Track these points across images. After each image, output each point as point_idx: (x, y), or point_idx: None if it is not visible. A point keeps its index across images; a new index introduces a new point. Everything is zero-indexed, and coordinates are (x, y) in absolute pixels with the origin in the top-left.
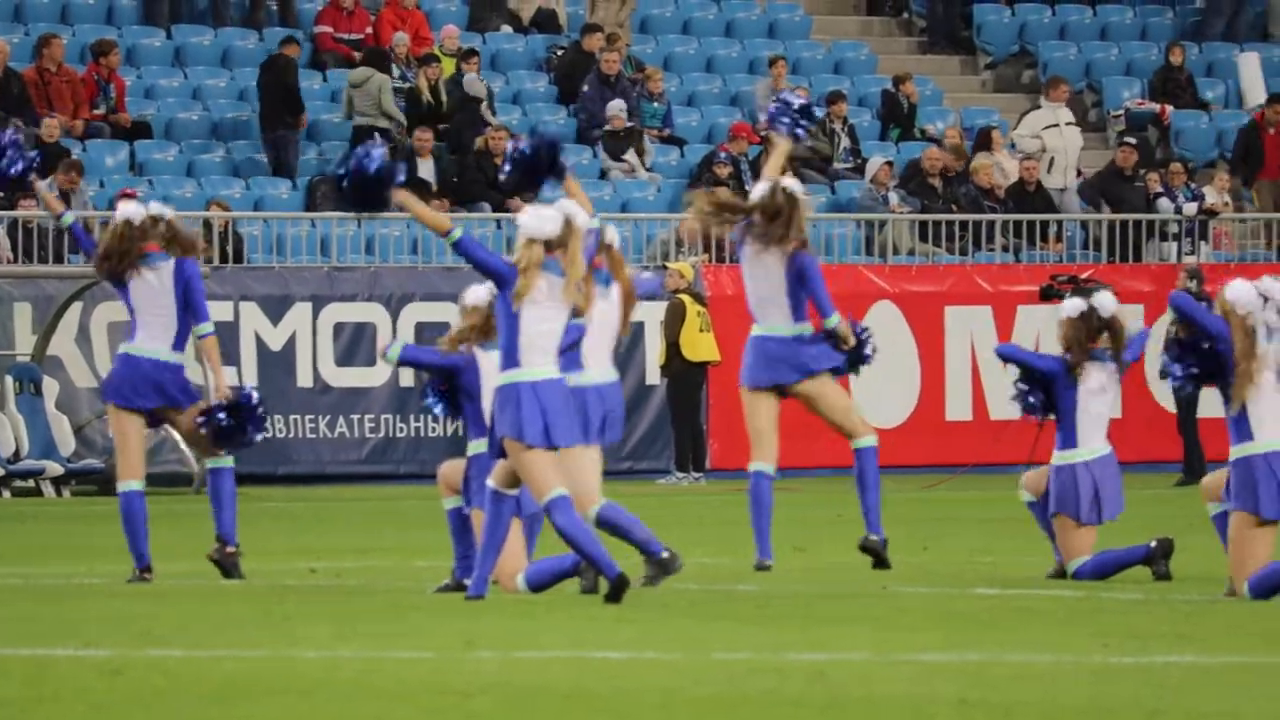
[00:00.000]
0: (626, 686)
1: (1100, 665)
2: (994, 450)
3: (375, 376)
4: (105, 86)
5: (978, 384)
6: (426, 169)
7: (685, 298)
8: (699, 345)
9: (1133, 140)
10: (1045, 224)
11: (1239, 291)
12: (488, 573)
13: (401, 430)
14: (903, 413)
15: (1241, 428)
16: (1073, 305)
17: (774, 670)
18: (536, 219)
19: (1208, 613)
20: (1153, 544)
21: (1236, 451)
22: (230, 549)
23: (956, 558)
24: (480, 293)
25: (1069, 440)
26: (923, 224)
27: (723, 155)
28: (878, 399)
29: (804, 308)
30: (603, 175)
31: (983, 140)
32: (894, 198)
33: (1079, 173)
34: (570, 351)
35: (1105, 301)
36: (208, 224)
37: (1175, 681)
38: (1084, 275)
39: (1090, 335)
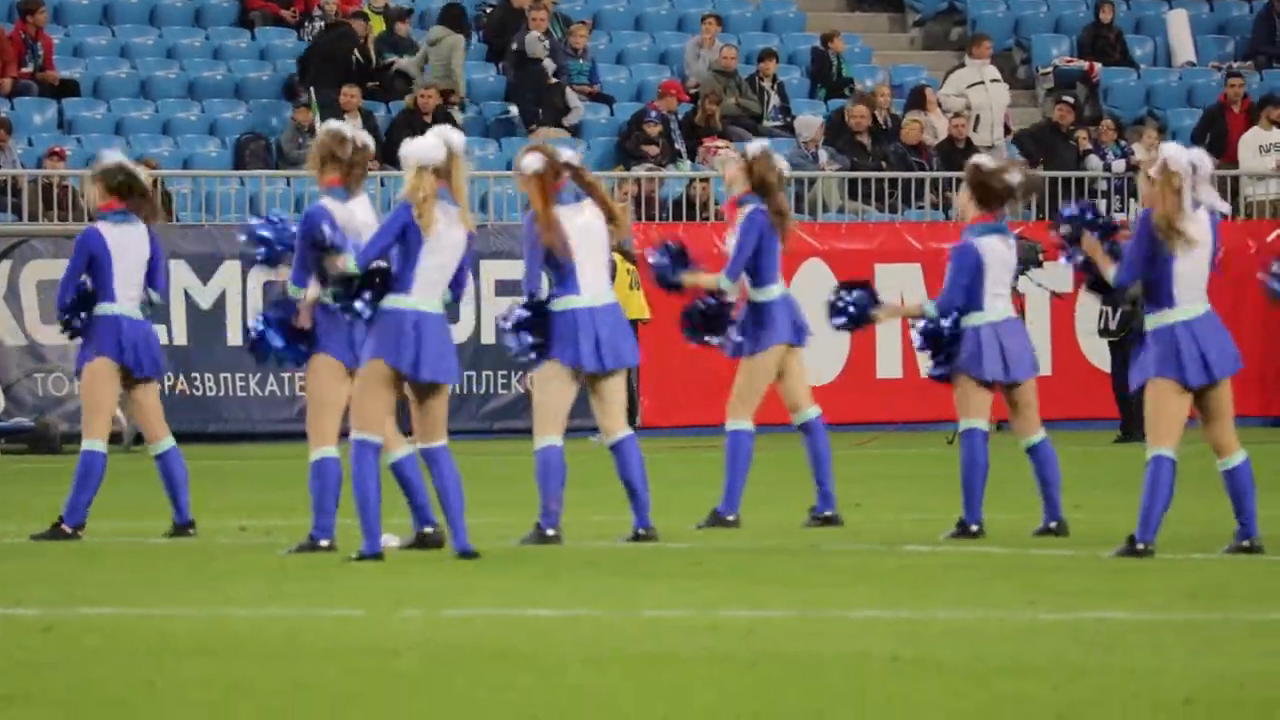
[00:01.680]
0: (555, 645)
1: (1028, 622)
2: (924, 408)
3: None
4: (33, 45)
5: (907, 342)
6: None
7: (615, 255)
8: (629, 303)
9: (1069, 98)
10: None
11: (1174, 152)
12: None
13: None
14: (833, 370)
15: (1162, 295)
16: None
17: (705, 628)
18: (423, 147)
19: (1135, 570)
20: None
21: (1156, 320)
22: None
23: (886, 515)
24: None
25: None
26: (852, 182)
27: (653, 114)
28: (808, 356)
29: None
30: (531, 131)
31: (915, 98)
32: (823, 155)
33: (1007, 129)
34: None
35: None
36: None
37: (1103, 638)
38: (1014, 233)
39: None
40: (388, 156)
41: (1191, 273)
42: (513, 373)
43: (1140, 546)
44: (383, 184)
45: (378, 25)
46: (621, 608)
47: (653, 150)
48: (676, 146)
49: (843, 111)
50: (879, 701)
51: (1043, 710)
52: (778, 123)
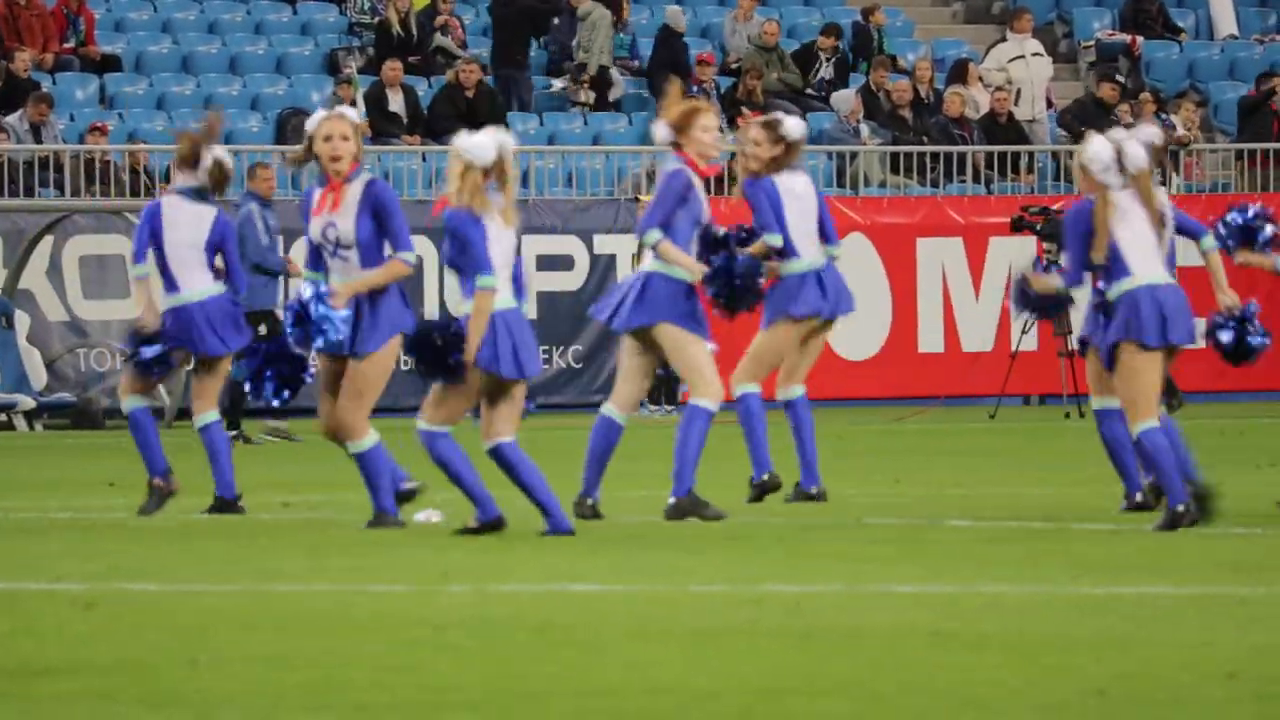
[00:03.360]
0: (599, 619)
1: (1072, 596)
2: (966, 382)
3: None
4: (75, 20)
5: (949, 316)
6: (396, 102)
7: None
8: None
9: (1118, 77)
10: (1016, 155)
11: (1095, 148)
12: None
13: None
14: (874, 345)
15: (1117, 267)
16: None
17: (750, 602)
18: (477, 146)
19: (1180, 544)
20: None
21: (1118, 289)
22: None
23: (928, 490)
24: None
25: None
26: (894, 156)
27: (694, 89)
28: (849, 331)
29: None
30: (574, 105)
31: (958, 72)
32: (865, 130)
33: (1050, 103)
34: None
35: None
36: None
37: (1146, 612)
38: (1055, 206)
39: None
40: (429, 130)
41: (1138, 241)
42: (554, 348)
43: (1180, 510)
44: (424, 159)
45: (419, 1)
46: (666, 582)
47: None
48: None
49: (869, 86)
50: (922, 675)
51: (1086, 683)
52: (821, 94)
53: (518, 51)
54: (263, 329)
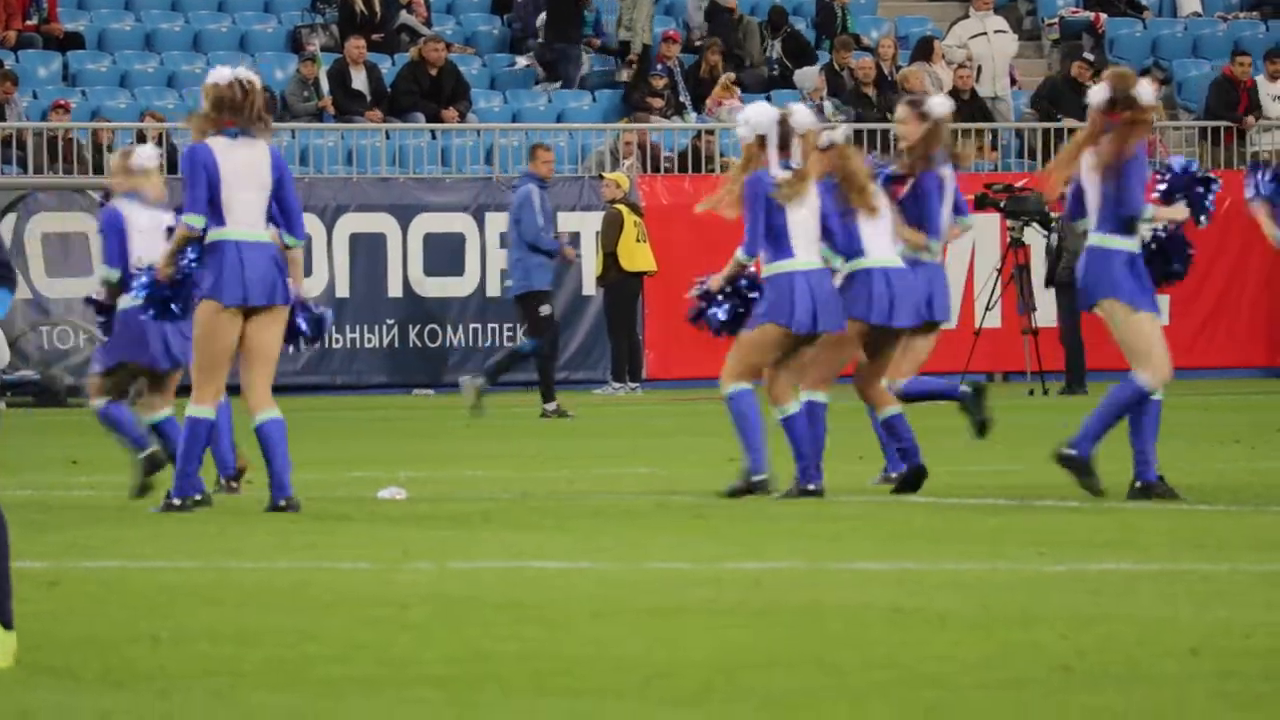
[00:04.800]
0: (562, 597)
1: (1035, 573)
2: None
3: (312, 287)
4: None
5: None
6: (360, 80)
7: (622, 208)
8: (636, 255)
9: (1088, 56)
10: (980, 132)
11: (753, 114)
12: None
13: (338, 341)
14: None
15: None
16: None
17: (710, 580)
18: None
19: (1142, 520)
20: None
21: (771, 270)
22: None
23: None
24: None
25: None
26: (858, 133)
27: (659, 67)
28: None
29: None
30: (537, 83)
31: (922, 50)
32: (829, 107)
33: (1013, 80)
34: None
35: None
36: (142, 135)
37: (1110, 588)
38: (1019, 184)
39: None
40: (393, 108)
41: (804, 224)
42: (516, 326)
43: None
44: (387, 136)
45: None
46: (627, 560)
47: (658, 103)
48: (682, 99)
49: (832, 64)
50: (883, 651)
51: (1049, 659)
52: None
53: (570, 28)
54: (545, 309)
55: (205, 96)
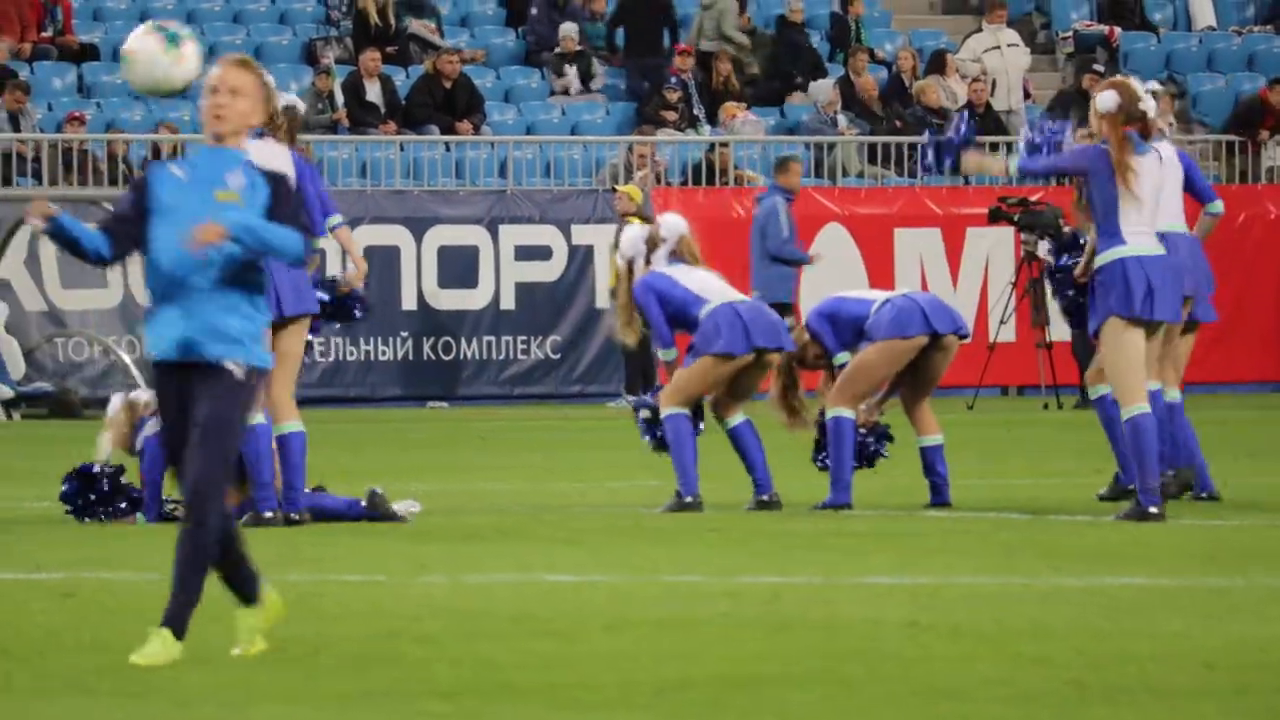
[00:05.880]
0: (575, 610)
1: (1049, 587)
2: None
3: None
4: (52, 9)
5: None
6: (374, 92)
7: (635, 220)
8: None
9: (1098, 68)
10: (995, 145)
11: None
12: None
13: (351, 354)
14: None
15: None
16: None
17: (726, 593)
18: (1107, 97)
19: (1158, 535)
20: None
21: (1106, 256)
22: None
23: (905, 481)
24: None
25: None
26: (871, 146)
27: (673, 80)
28: None
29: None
30: (553, 98)
31: (936, 63)
32: (842, 120)
33: (1027, 94)
34: None
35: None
36: (157, 147)
37: (1124, 603)
38: (1034, 198)
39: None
40: (407, 120)
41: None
42: (532, 338)
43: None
44: (401, 149)
45: None
46: (640, 573)
47: (672, 116)
48: (695, 111)
49: (847, 77)
50: (899, 665)
51: (1063, 674)
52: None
53: (654, 41)
54: (789, 321)
55: None
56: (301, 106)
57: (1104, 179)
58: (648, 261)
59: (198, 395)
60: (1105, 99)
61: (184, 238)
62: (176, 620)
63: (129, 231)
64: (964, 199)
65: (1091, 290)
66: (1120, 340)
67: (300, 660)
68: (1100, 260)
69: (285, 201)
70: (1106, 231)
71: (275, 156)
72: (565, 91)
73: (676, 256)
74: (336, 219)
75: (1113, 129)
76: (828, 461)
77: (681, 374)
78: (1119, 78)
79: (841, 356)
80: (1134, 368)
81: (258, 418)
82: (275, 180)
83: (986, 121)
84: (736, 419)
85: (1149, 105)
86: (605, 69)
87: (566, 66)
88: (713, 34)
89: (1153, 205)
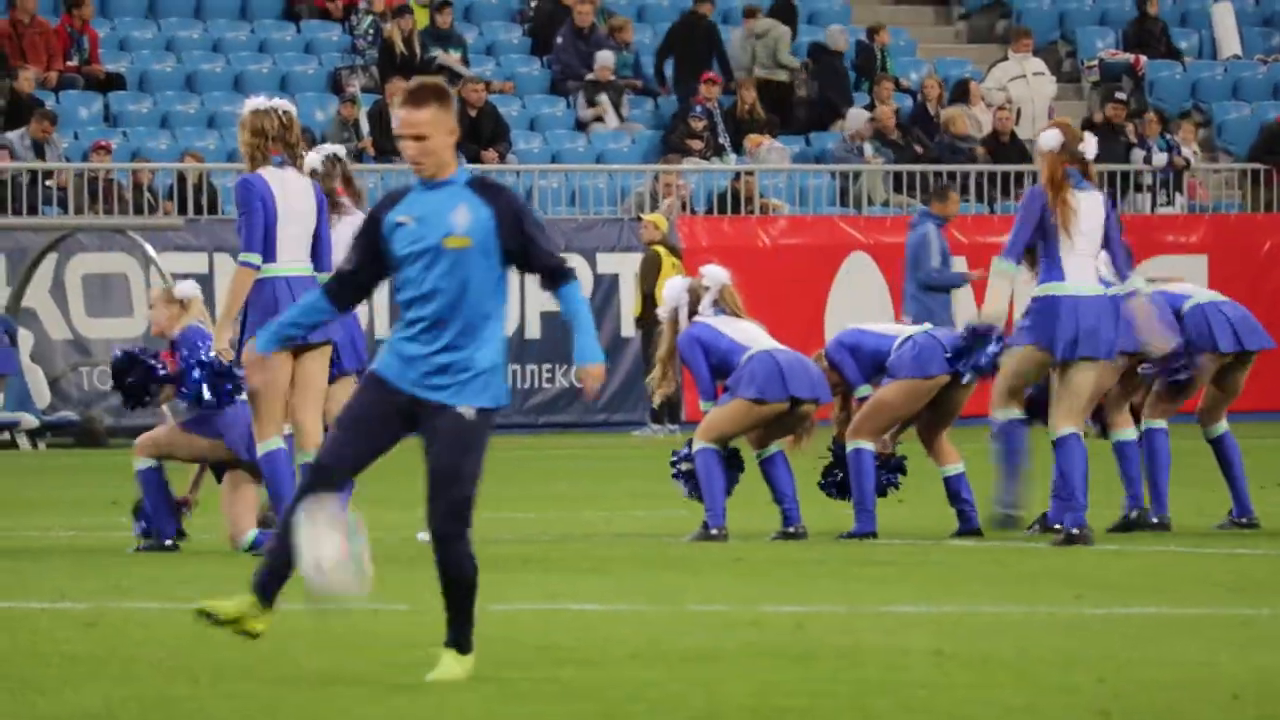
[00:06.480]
0: (599, 639)
1: (1073, 616)
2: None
3: None
4: (79, 38)
5: None
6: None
7: (660, 249)
8: None
9: (1121, 96)
10: (1020, 175)
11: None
12: None
13: None
14: None
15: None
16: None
17: (751, 622)
18: (1049, 137)
19: (1180, 565)
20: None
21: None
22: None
23: (931, 510)
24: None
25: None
26: (896, 175)
27: (698, 109)
28: None
29: None
30: (578, 127)
31: (960, 91)
32: (868, 149)
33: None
34: None
35: None
36: (182, 176)
37: (1149, 633)
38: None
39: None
40: None
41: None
42: (556, 367)
43: (1076, 532)
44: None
45: (422, 18)
46: (666, 603)
47: (697, 145)
48: (721, 140)
49: (872, 105)
50: (924, 695)
51: (1088, 704)
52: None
53: (701, 70)
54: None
55: (243, 128)
56: (341, 151)
57: (1045, 216)
58: (692, 313)
59: (434, 438)
60: (1048, 137)
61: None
62: (462, 640)
63: (360, 283)
64: (989, 228)
65: (1026, 312)
66: (1029, 359)
67: (325, 689)
68: (1038, 290)
69: (519, 225)
70: (1046, 266)
71: (296, 189)
72: (599, 120)
73: (718, 307)
74: (325, 277)
75: (1055, 167)
76: (832, 488)
77: (716, 413)
78: (1062, 119)
79: (863, 389)
80: (1021, 379)
81: (278, 442)
82: (502, 206)
83: (1011, 151)
84: (769, 450)
85: (1090, 147)
86: (630, 98)
87: (599, 95)
88: (768, 61)
89: (1093, 242)
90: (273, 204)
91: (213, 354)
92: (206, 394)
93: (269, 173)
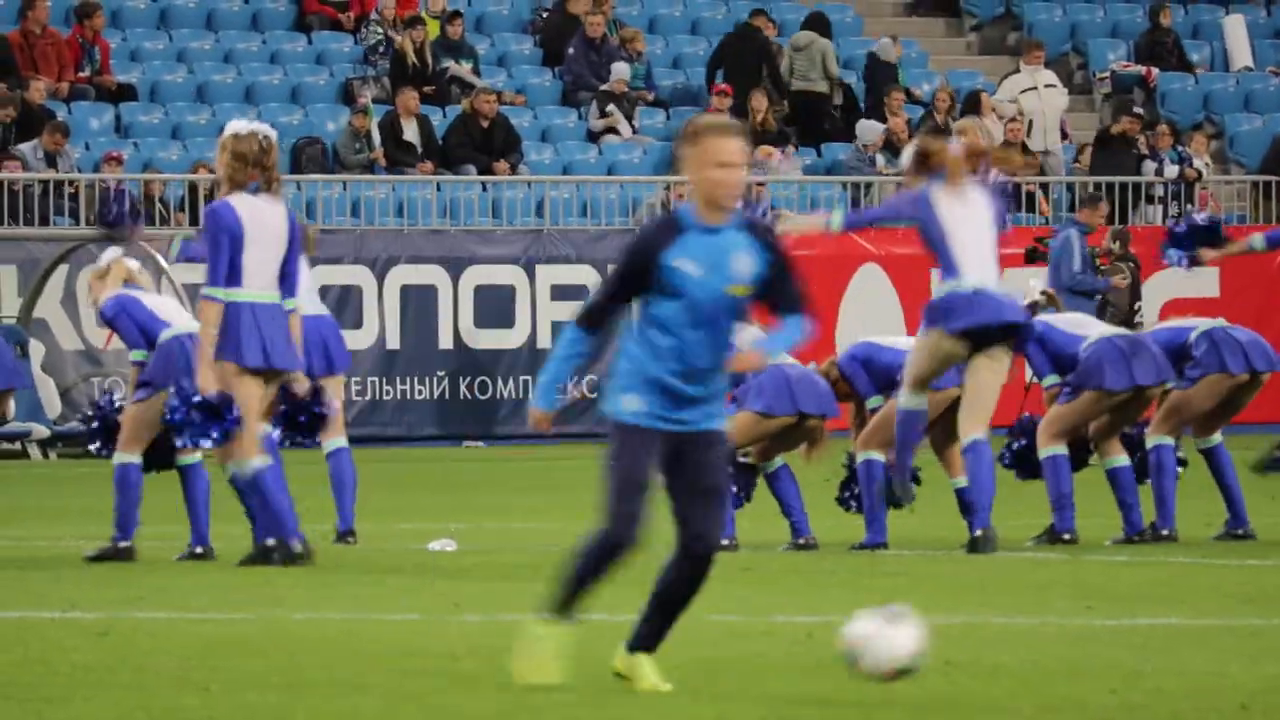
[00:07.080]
0: (611, 648)
1: (1083, 627)
2: None
3: (362, 339)
4: (90, 49)
5: None
6: (411, 131)
7: None
8: None
9: (1138, 111)
10: (1030, 189)
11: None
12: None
13: (388, 393)
14: None
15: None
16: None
17: (761, 633)
18: None
19: (1190, 574)
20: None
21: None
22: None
23: (941, 520)
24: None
25: None
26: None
27: None
28: None
29: None
30: (590, 138)
31: (971, 103)
32: (880, 160)
33: (1064, 135)
34: None
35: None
36: (193, 187)
37: (1159, 643)
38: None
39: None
40: (444, 160)
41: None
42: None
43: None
44: (439, 188)
45: (434, 29)
46: None
47: None
48: None
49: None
50: (934, 705)
51: (1098, 714)
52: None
53: (753, 85)
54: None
55: (223, 150)
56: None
57: (930, 219)
58: None
59: (700, 461)
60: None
61: (711, 344)
62: (651, 643)
63: (616, 317)
64: (1000, 239)
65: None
66: (935, 345)
67: (336, 699)
68: (938, 291)
69: (787, 275)
70: (945, 265)
71: (268, 215)
72: (611, 131)
73: None
74: (292, 303)
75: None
76: (850, 502)
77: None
78: (965, 120)
79: (875, 400)
80: (933, 366)
81: (265, 459)
82: (776, 255)
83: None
84: (774, 463)
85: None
86: (641, 109)
87: (610, 106)
88: (811, 74)
89: (983, 238)
90: (240, 231)
91: (199, 395)
92: (215, 436)
93: (240, 199)
